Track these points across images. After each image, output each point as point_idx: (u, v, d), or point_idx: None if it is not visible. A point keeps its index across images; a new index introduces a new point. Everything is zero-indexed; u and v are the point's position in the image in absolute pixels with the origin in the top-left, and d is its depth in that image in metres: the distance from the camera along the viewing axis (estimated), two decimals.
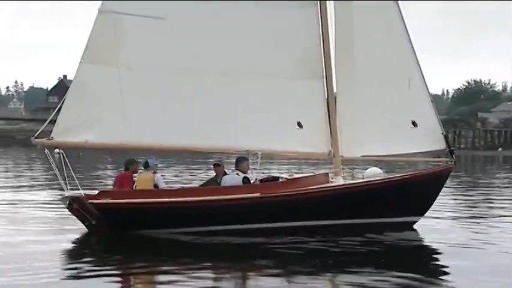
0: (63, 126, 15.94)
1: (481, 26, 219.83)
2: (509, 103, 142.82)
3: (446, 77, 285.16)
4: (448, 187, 30.34)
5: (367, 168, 17.74)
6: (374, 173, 16.83)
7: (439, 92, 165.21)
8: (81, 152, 17.16)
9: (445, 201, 23.89)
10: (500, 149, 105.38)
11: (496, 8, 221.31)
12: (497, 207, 23.61)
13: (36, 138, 16.28)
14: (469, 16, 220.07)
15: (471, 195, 28.86)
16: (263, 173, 17.28)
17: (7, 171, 40.04)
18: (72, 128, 15.96)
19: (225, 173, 16.30)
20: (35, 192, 23.83)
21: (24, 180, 32.34)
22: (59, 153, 16.27)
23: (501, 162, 72.15)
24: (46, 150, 16.23)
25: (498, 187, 33.96)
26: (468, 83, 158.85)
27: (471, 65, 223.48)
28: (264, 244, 14.50)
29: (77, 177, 16.45)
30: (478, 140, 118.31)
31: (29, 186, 28.15)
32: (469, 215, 21.16)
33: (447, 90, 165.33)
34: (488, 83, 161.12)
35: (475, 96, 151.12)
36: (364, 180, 17.03)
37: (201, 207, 15.36)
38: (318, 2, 16.65)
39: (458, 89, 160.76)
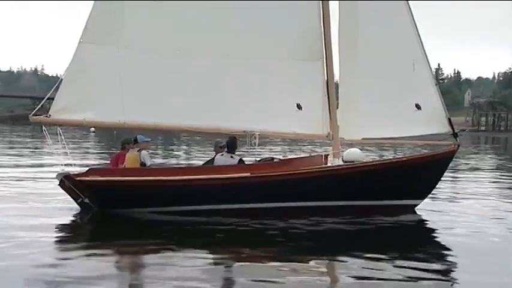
0: (61, 105, 16.05)
1: None
2: None
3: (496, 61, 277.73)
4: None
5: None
6: (354, 154, 16.75)
7: (490, 76, 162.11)
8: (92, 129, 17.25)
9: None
10: None
11: None
12: None
13: (34, 115, 16.39)
14: None
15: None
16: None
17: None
18: (70, 106, 16.05)
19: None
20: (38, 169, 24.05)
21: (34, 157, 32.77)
22: (94, 131, 16.70)
23: None
24: (43, 127, 16.23)
25: None
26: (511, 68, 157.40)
27: None
28: (257, 225, 14.55)
29: (84, 155, 16.70)
30: None
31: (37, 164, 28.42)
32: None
33: (498, 74, 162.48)
34: None
35: None
36: (364, 161, 16.95)
37: (196, 185, 15.45)
38: None
39: (505, 72, 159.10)
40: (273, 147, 18.28)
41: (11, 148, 43.78)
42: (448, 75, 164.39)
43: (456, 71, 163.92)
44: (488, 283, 10.53)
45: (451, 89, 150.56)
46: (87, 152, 29.42)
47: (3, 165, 29.69)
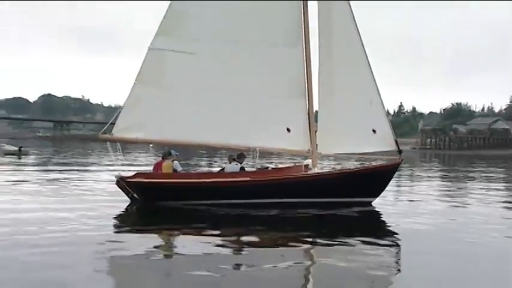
0: (121, 127, 16.50)
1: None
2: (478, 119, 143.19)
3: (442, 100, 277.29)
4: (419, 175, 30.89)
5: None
6: (309, 162, 17.04)
7: (438, 111, 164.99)
8: (151, 145, 17.58)
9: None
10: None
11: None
12: (451, 190, 23.41)
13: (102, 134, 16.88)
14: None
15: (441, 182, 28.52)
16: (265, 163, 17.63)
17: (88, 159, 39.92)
18: (127, 128, 16.48)
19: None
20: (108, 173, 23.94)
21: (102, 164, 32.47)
22: (152, 147, 17.17)
23: (466, 158, 70.90)
24: (108, 143, 16.88)
25: (456, 177, 33.24)
26: (452, 104, 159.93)
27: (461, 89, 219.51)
28: (257, 215, 14.80)
29: (130, 163, 16.90)
30: (452, 143, 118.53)
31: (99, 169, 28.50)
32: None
33: (442, 109, 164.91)
34: (466, 105, 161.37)
35: (456, 113, 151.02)
36: (336, 170, 17.54)
37: (210, 186, 15.85)
38: (303, 43, 16.85)
39: (445, 108, 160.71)
40: (268, 159, 18.45)
41: (76, 158, 44.02)
42: (407, 110, 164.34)
43: (413, 107, 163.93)
44: (418, 251, 11.09)
45: (409, 119, 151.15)
46: (136, 161, 29.49)
47: (76, 170, 30.14)
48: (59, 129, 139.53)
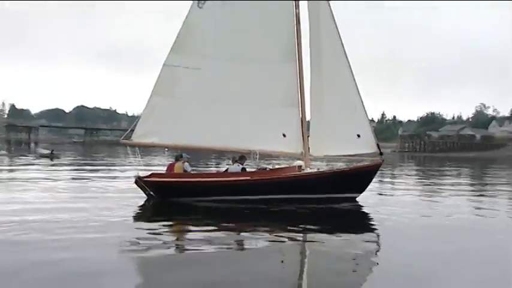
0: (139, 133, 16.33)
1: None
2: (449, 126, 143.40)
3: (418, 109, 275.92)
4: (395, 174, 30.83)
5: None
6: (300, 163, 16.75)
7: (415, 119, 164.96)
8: (166, 149, 17.57)
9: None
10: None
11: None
12: (420, 185, 23.43)
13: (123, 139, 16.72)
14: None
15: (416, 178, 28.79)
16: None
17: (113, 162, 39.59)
18: (144, 134, 16.31)
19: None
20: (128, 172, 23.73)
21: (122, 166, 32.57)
22: (167, 150, 16.90)
23: (438, 159, 71.04)
24: (128, 148, 16.79)
25: (429, 175, 33.58)
26: (427, 113, 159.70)
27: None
28: (256, 209, 14.53)
29: (147, 164, 16.91)
30: (427, 146, 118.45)
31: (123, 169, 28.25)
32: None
33: (419, 117, 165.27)
34: (439, 114, 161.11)
35: (433, 121, 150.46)
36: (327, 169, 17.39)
37: (214, 184, 15.70)
38: (297, 59, 16.56)
39: (421, 117, 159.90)
40: (267, 161, 18.31)
41: (102, 160, 43.85)
42: (389, 118, 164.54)
43: (393, 116, 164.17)
44: (395, 236, 11.45)
45: (390, 126, 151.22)
46: (151, 163, 29.37)
47: (101, 170, 30.18)
48: (89, 135, 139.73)
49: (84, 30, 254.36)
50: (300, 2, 16.66)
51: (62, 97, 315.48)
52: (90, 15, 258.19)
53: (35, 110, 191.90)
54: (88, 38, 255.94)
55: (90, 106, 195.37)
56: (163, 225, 12.22)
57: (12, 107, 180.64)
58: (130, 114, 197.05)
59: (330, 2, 16.63)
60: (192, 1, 16.38)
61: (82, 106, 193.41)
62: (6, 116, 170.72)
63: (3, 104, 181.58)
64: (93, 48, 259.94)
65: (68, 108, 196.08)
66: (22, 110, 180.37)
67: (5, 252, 8.72)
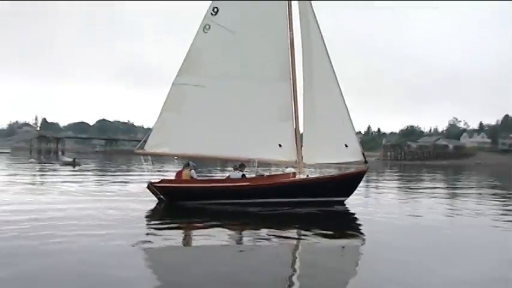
0: (151, 144, 16.15)
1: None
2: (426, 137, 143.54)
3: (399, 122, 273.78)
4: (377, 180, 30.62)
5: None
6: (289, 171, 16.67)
7: (397, 131, 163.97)
8: (176, 157, 17.48)
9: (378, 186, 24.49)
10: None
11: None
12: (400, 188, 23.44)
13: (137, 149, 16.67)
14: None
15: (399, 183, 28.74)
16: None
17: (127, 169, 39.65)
18: (156, 144, 16.12)
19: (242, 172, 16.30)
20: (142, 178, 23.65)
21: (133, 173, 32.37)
22: (176, 159, 16.78)
23: (416, 166, 70.83)
24: (141, 157, 16.59)
25: (409, 180, 33.53)
26: (407, 126, 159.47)
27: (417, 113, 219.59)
28: (255, 211, 14.29)
29: (158, 171, 16.86)
30: (407, 155, 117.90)
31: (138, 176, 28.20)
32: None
33: (400, 129, 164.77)
34: (417, 126, 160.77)
35: (412, 133, 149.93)
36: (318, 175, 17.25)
37: (217, 189, 15.58)
38: (291, 78, 16.39)
39: (402, 129, 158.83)
40: (265, 168, 18.16)
41: (119, 167, 43.85)
42: (374, 131, 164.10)
43: (378, 128, 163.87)
44: (379, 231, 11.64)
45: (375, 137, 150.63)
46: (162, 170, 29.15)
47: (118, 174, 30.10)
48: (110, 145, 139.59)
49: (105, 52, 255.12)
50: (294, 27, 16.47)
51: (87, 112, 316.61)
52: (111, 39, 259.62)
53: (63, 123, 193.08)
54: (109, 59, 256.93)
55: (111, 119, 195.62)
56: (172, 224, 12.24)
57: (44, 120, 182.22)
58: (146, 126, 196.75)
59: (321, 29, 16.46)
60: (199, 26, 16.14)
61: (104, 119, 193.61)
62: (38, 128, 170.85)
63: (36, 118, 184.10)
64: (114, 68, 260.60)
65: (91, 121, 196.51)
66: (52, 123, 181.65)
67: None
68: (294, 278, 7.66)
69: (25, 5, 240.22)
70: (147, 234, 10.82)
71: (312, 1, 16.53)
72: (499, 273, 8.07)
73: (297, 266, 8.72)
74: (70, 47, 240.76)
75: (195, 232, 11.61)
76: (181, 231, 11.85)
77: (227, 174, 17.73)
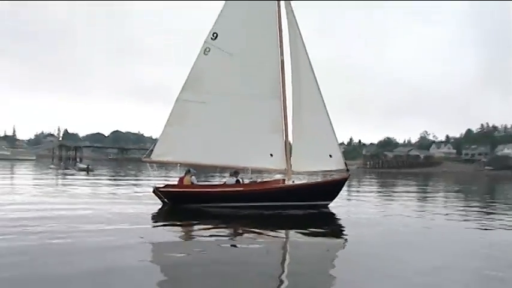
0: (157, 153, 15.88)
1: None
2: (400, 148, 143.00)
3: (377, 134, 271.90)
4: (356, 185, 30.49)
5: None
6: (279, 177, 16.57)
7: (375, 142, 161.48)
8: (179, 165, 17.27)
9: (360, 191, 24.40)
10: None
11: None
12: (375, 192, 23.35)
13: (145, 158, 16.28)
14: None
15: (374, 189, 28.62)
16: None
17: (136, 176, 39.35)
18: (161, 154, 15.85)
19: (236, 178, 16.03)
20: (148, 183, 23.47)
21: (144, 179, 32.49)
22: (180, 166, 16.58)
23: (392, 174, 71.10)
24: (148, 164, 16.31)
25: (386, 185, 33.65)
26: (384, 138, 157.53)
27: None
28: (248, 213, 14.10)
29: (162, 177, 16.66)
30: (384, 164, 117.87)
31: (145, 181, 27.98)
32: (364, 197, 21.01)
33: (378, 141, 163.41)
34: (393, 138, 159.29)
35: (389, 144, 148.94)
36: (305, 182, 17.00)
37: (214, 193, 15.37)
38: (281, 96, 16.16)
39: (380, 141, 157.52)
40: (258, 175, 18.01)
41: (129, 173, 43.46)
42: (355, 142, 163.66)
43: (359, 140, 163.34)
44: (359, 232, 11.46)
45: (356, 148, 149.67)
46: (167, 176, 28.89)
47: (127, 180, 29.70)
48: (121, 153, 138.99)
49: (119, 72, 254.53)
50: (284, 51, 16.32)
51: (103, 124, 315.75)
52: (124, 62, 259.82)
53: (82, 133, 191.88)
54: (122, 79, 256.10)
55: (124, 131, 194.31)
56: (174, 223, 12.15)
57: (65, 131, 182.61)
58: (154, 137, 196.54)
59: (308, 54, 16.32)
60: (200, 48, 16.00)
61: (117, 131, 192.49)
62: (60, 138, 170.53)
63: (59, 129, 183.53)
64: (127, 87, 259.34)
65: (106, 132, 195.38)
66: (72, 133, 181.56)
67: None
68: (282, 273, 7.59)
69: (54, 30, 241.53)
70: (152, 232, 10.56)
71: (300, 30, 16.35)
72: (462, 263, 8.36)
73: (285, 261, 8.63)
74: (90, 68, 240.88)
75: (193, 230, 11.48)
76: (181, 227, 11.73)
77: (224, 180, 17.52)
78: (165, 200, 15.18)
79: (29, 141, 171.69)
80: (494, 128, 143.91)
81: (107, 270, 6.77)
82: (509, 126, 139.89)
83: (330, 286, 6.87)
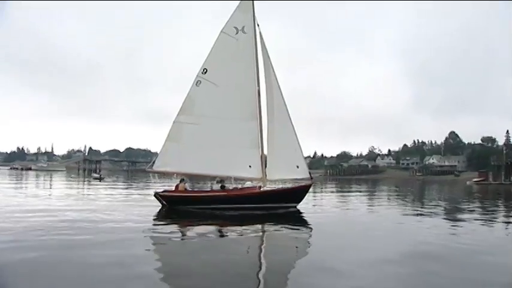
0: (158, 164, 15.35)
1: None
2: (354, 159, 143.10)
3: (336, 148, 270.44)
4: (318, 192, 30.27)
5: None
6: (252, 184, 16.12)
7: (334, 155, 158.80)
8: (175, 174, 16.69)
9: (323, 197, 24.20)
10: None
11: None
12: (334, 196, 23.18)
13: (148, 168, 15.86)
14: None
15: (336, 194, 28.38)
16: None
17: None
18: (161, 165, 15.31)
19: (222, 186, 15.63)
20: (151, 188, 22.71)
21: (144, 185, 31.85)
22: (176, 176, 15.95)
23: (347, 180, 71.54)
24: (150, 174, 15.81)
25: (344, 191, 33.36)
26: (341, 151, 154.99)
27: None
28: (231, 213, 13.59)
29: (163, 185, 16.16)
30: (341, 172, 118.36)
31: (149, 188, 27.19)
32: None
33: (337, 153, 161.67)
34: (348, 152, 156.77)
35: (345, 157, 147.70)
36: (277, 188, 16.60)
37: (203, 197, 14.99)
38: (258, 118, 15.83)
39: (338, 154, 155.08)
40: (239, 182, 17.59)
41: (135, 181, 42.31)
42: (318, 155, 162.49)
43: (321, 154, 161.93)
44: (323, 228, 11.28)
45: (320, 160, 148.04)
46: (166, 183, 28.20)
47: (133, 187, 28.72)
48: (132, 166, 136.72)
49: (132, 100, 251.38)
50: (260, 81, 16.03)
51: (119, 142, 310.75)
52: (135, 92, 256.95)
53: (102, 150, 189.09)
54: (135, 105, 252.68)
55: (135, 147, 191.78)
56: (172, 222, 11.71)
57: (90, 148, 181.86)
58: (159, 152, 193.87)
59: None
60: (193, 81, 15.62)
61: (130, 147, 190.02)
62: (86, 153, 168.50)
63: (85, 146, 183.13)
64: (138, 111, 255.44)
65: (121, 148, 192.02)
66: (95, 150, 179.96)
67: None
68: (264, 258, 7.66)
69: (81, 65, 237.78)
70: (152, 229, 10.15)
71: (273, 64, 16.18)
72: (410, 250, 8.39)
73: (264, 248, 8.66)
74: (110, 97, 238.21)
75: (187, 227, 11.03)
76: (177, 225, 11.27)
77: (211, 186, 17.03)
78: (164, 202, 14.62)
79: (63, 156, 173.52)
80: (423, 143, 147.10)
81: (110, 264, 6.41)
82: (433, 141, 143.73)
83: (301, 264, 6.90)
